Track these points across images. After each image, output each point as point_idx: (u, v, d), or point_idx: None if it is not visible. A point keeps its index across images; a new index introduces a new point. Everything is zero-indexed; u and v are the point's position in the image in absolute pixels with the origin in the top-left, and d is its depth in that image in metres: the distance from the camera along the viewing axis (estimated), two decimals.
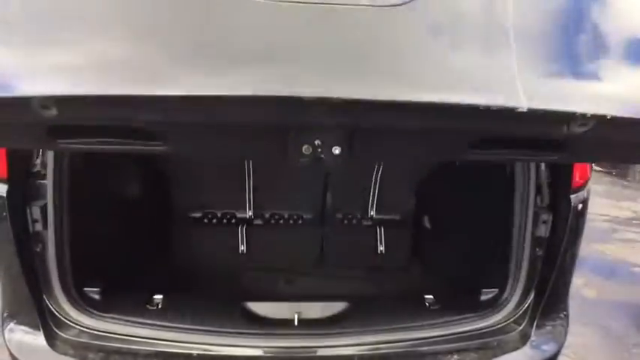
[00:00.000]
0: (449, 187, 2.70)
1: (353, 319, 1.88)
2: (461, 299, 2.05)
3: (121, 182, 2.46)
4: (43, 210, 1.70)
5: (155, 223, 2.66)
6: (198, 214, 2.73)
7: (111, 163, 2.36)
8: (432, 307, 1.96)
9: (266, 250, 2.73)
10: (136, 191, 2.51)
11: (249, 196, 2.61)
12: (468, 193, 2.48)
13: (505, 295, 1.94)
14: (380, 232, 2.76)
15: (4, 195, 1.64)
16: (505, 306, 1.92)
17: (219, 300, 1.94)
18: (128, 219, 2.43)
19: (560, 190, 1.88)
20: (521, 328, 1.92)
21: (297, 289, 2.69)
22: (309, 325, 1.85)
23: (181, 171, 2.55)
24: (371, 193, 2.67)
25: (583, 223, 1.94)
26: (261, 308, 1.91)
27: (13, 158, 1.65)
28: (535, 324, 1.93)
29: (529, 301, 1.93)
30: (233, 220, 2.74)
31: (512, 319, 1.92)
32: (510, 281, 1.93)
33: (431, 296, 2.01)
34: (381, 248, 2.75)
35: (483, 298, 1.99)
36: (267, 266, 2.74)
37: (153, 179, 2.59)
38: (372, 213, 2.72)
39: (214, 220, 2.74)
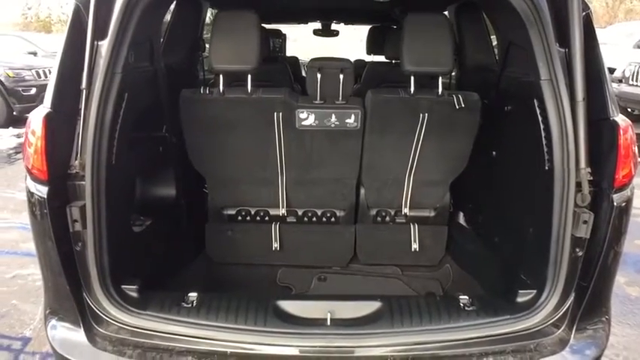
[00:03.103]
0: (485, 183, 2.64)
1: (386, 319, 1.86)
2: (497, 300, 2.01)
3: (157, 182, 2.51)
4: (82, 210, 1.74)
5: (190, 221, 2.71)
6: (232, 212, 2.75)
7: (147, 163, 2.41)
8: (467, 308, 1.92)
9: (299, 248, 2.74)
10: (172, 190, 2.55)
11: (282, 193, 2.62)
12: (505, 191, 2.43)
13: (543, 296, 1.88)
14: (414, 229, 2.72)
15: (45, 196, 1.70)
16: (543, 308, 1.86)
17: (252, 298, 1.96)
18: (164, 218, 2.47)
19: (603, 189, 1.81)
20: (560, 331, 1.86)
21: (330, 287, 2.70)
22: (341, 325, 1.85)
23: (216, 169, 2.58)
24: (405, 190, 2.63)
25: (627, 222, 1.86)
26: (293, 307, 1.92)
27: (52, 161, 1.70)
28: (575, 327, 1.87)
29: (569, 304, 1.87)
30: (266, 218, 2.75)
31: (550, 322, 1.86)
32: (549, 283, 1.87)
33: (466, 297, 1.97)
34: (415, 246, 2.71)
35: (520, 299, 1.94)
36: (300, 264, 2.76)
37: (188, 178, 2.63)
38: (406, 210, 2.69)
39: (248, 218, 2.76)
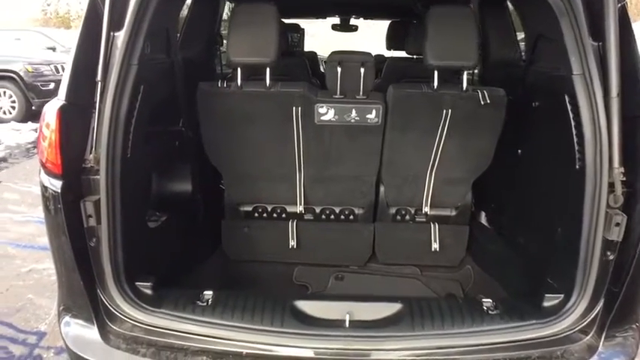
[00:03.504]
0: (509, 182, 2.56)
1: (406, 322, 1.80)
2: (522, 304, 1.93)
3: (173, 177, 2.47)
4: (97, 205, 1.71)
5: (206, 218, 2.67)
6: (248, 208, 2.70)
7: (163, 158, 2.37)
8: (490, 312, 1.85)
9: (316, 246, 2.69)
10: (188, 186, 2.51)
11: (300, 190, 2.56)
12: (531, 190, 2.34)
13: (571, 301, 1.80)
14: (434, 228, 2.65)
15: (59, 191, 1.66)
16: (571, 313, 1.78)
17: (268, 297, 1.91)
18: (180, 213, 2.44)
19: (637, 190, 1.72)
20: (588, 338, 1.78)
21: (347, 286, 2.65)
22: (360, 327, 1.79)
23: (233, 164, 2.54)
24: (426, 188, 2.56)
25: None
26: (311, 307, 1.87)
27: (66, 155, 1.67)
28: (604, 334, 1.78)
29: (598, 309, 1.79)
30: (283, 215, 2.70)
31: (578, 328, 1.78)
32: (577, 287, 1.79)
33: (489, 300, 1.89)
34: (435, 246, 2.64)
35: (547, 303, 1.86)
36: (317, 262, 2.70)
37: (204, 174, 2.59)
38: (427, 209, 2.61)
39: (265, 215, 2.71)
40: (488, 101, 2.23)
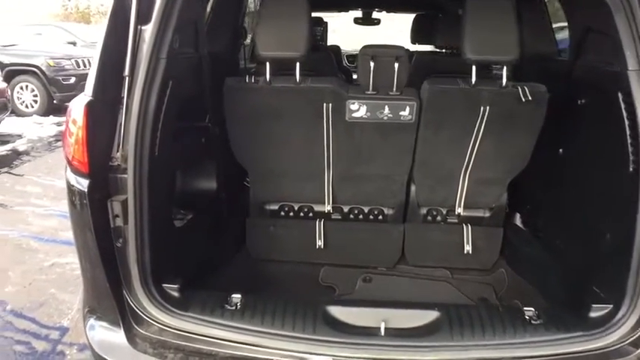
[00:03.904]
0: (548, 183, 2.45)
1: (445, 331, 1.71)
2: (565, 314, 1.82)
3: (198, 174, 2.41)
4: (124, 205, 1.65)
5: (231, 216, 2.60)
6: (274, 207, 2.63)
7: (189, 155, 2.31)
8: (533, 322, 1.74)
9: (344, 246, 2.61)
10: (213, 183, 2.45)
11: (328, 188, 2.48)
12: (573, 192, 2.23)
13: (621, 312, 1.68)
14: (467, 230, 2.55)
15: (86, 190, 1.60)
16: (621, 325, 1.66)
17: (299, 301, 1.83)
18: (205, 212, 2.38)
19: None
20: (639, 351, 1.68)
21: (375, 289, 2.56)
22: (396, 335, 1.71)
23: (259, 161, 2.46)
24: (459, 188, 2.45)
25: None
26: (344, 313, 1.79)
27: (93, 153, 1.61)
28: None
29: None
30: (310, 214, 2.62)
31: (628, 341, 1.66)
32: (628, 297, 1.67)
33: (531, 309, 1.79)
34: (468, 248, 2.54)
35: (593, 314, 1.74)
36: (344, 263, 2.63)
37: (229, 171, 2.53)
38: (460, 210, 2.51)
39: (291, 214, 2.64)
40: (530, 98, 2.12)
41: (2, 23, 11.43)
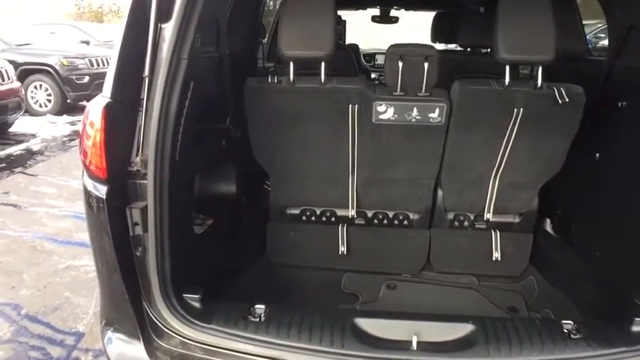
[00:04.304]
0: (582, 188, 2.34)
1: (481, 345, 1.61)
2: (605, 327, 1.71)
3: (218, 178, 2.33)
4: (144, 212, 1.57)
5: (251, 221, 2.52)
6: (295, 211, 2.55)
7: (210, 158, 2.23)
8: (573, 336, 1.64)
9: (367, 252, 2.52)
10: (233, 187, 2.37)
11: (352, 193, 2.39)
12: (611, 199, 2.12)
13: None
14: (495, 236, 2.45)
15: (104, 197, 1.52)
16: None
17: (326, 313, 1.75)
18: (225, 216, 2.30)
19: None
20: None
21: (400, 296, 2.47)
22: (429, 350, 1.61)
23: (281, 164, 2.38)
24: (489, 193, 2.35)
25: None
26: (374, 326, 1.70)
27: (112, 157, 1.53)
28: None
29: None
30: (333, 219, 2.53)
31: None
32: None
33: (570, 321, 1.69)
34: (497, 255, 2.44)
35: (636, 328, 1.64)
36: (367, 269, 2.54)
37: (249, 174, 2.44)
38: (489, 215, 2.41)
39: (313, 218, 2.55)
40: (567, 100, 2.01)
41: (16, 23, 11.46)
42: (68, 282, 3.47)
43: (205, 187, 2.30)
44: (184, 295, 1.71)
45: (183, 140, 1.67)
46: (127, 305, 1.63)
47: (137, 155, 1.57)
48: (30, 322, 3.01)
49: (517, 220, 2.49)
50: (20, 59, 8.94)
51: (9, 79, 7.17)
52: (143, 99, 1.55)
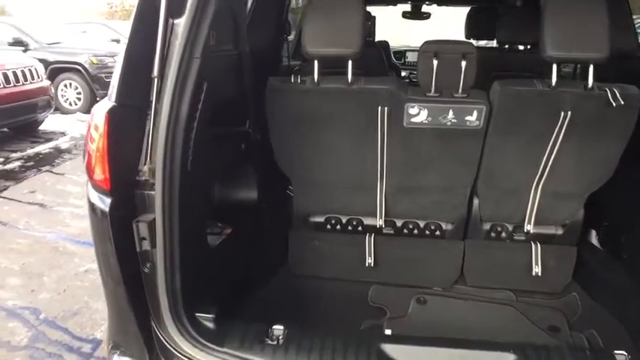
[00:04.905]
0: (633, 197, 2.12)
1: None
2: None
3: (238, 183, 2.20)
4: (151, 226, 1.44)
5: (272, 229, 2.38)
6: (320, 219, 2.39)
7: (228, 163, 2.10)
8: None
9: (396, 264, 2.35)
10: (253, 193, 2.23)
11: (380, 201, 2.23)
12: None
13: None
14: (536, 249, 2.25)
15: (107, 210, 1.40)
16: None
17: (349, 335, 1.59)
18: (245, 224, 2.16)
19: None
20: None
21: (431, 311, 2.30)
22: None
23: (304, 170, 2.23)
24: (530, 202, 2.15)
25: None
26: (401, 353, 1.53)
27: (116, 167, 1.40)
28: None
29: None
30: (360, 228, 2.37)
31: None
32: None
33: (623, 352, 1.49)
34: (537, 269, 2.24)
35: None
36: (396, 282, 2.37)
37: (270, 179, 2.30)
38: (529, 226, 2.21)
39: (338, 227, 2.39)
40: (622, 101, 1.80)
41: (48, 22, 11.61)
42: (88, 286, 3.41)
43: (224, 194, 2.17)
44: (197, 314, 1.58)
45: (196, 147, 1.54)
46: (134, 326, 1.51)
47: (145, 163, 1.44)
48: (48, 328, 2.96)
49: (560, 231, 2.28)
50: (51, 58, 9.04)
51: (38, 77, 7.22)
52: (152, 101, 1.42)
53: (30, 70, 7.10)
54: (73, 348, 2.79)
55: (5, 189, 5.33)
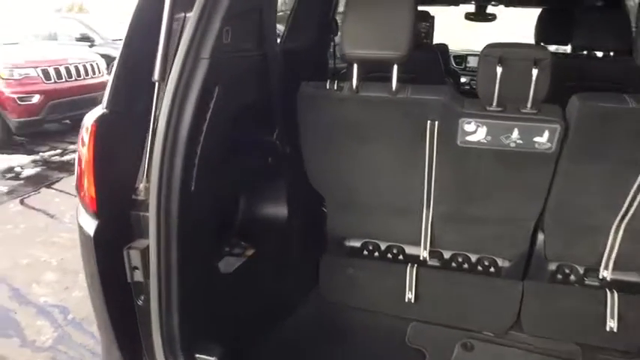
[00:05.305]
0: None
1: None
2: None
3: (263, 200, 1.97)
4: (144, 254, 1.23)
5: (302, 250, 2.14)
6: (356, 244, 2.13)
7: (251, 177, 1.88)
8: None
9: (441, 301, 2.06)
10: (282, 210, 2.00)
11: (426, 228, 1.94)
12: None
13: None
14: (613, 298, 1.89)
15: (91, 234, 1.20)
16: None
17: None
18: (270, 245, 1.94)
19: None
20: None
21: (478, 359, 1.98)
22: None
23: (340, 189, 1.98)
24: (609, 243, 1.80)
25: None
26: None
27: (105, 184, 1.19)
28: None
29: None
30: (400, 257, 2.10)
31: None
32: None
33: None
34: (612, 324, 1.88)
35: None
36: (439, 322, 2.07)
37: (301, 195, 2.06)
38: (606, 272, 1.85)
39: (376, 254, 2.13)
40: None
41: (113, 19, 11.95)
42: None
43: (250, 211, 1.95)
44: (197, 355, 1.36)
45: (203, 163, 1.31)
46: None
47: (141, 181, 1.23)
48: (74, 329, 2.89)
49: None
50: (114, 53, 9.21)
51: (99, 72, 7.41)
52: (151, 110, 1.20)
53: (92, 65, 7.28)
54: (96, 354, 2.70)
55: (58, 180, 5.43)
